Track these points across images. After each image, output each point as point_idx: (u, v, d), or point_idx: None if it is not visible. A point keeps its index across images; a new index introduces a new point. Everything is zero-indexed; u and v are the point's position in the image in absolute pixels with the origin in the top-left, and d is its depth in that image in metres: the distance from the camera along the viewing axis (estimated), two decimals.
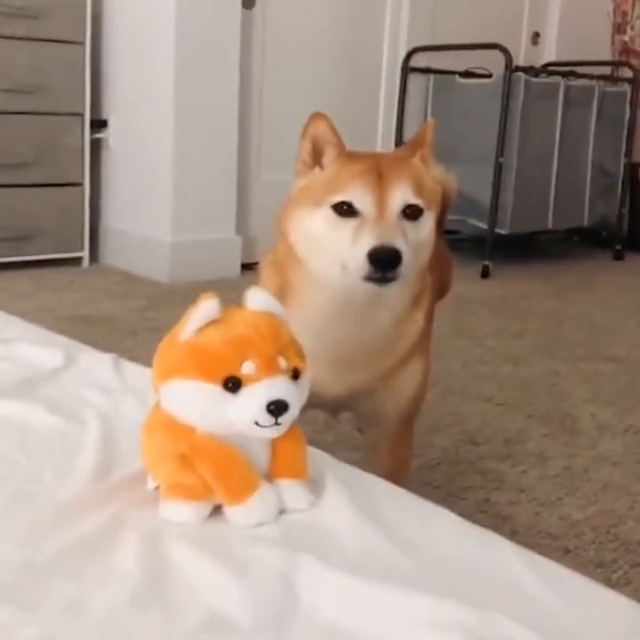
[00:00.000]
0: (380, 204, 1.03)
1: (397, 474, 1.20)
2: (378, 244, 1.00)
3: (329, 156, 1.09)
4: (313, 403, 1.27)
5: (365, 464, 1.18)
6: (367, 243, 1.01)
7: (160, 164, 3.38)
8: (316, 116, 1.09)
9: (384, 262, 0.99)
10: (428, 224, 1.06)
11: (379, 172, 1.04)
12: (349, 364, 1.13)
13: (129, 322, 2.73)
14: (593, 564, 1.39)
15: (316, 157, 1.10)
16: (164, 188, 3.38)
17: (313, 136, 1.09)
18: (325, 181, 1.07)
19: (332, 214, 1.05)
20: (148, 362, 0.87)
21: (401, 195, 1.03)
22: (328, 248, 1.06)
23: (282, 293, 1.11)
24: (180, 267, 3.34)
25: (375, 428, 1.24)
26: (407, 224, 1.04)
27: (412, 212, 1.04)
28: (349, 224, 1.03)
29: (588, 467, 1.79)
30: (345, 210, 1.04)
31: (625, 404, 2.20)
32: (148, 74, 3.38)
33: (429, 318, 1.19)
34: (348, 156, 1.09)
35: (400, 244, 1.00)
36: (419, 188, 1.05)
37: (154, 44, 3.33)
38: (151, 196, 3.45)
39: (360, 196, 1.03)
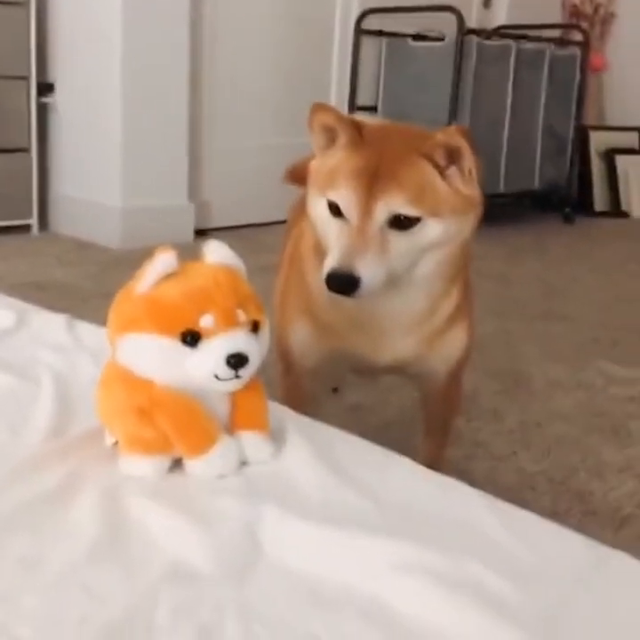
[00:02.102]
0: (365, 211, 0.99)
1: (448, 417, 1.37)
2: (335, 268, 0.98)
3: (339, 142, 1.05)
4: (363, 370, 1.29)
5: (419, 409, 1.37)
6: (329, 262, 0.99)
7: (109, 128, 3.31)
8: (317, 106, 1.05)
9: (337, 289, 0.99)
10: (429, 230, 1.01)
11: (375, 172, 0.99)
12: (388, 335, 1.14)
13: (81, 288, 2.69)
14: (548, 513, 1.41)
15: (330, 145, 1.07)
16: (113, 154, 3.31)
17: (321, 126, 1.06)
18: (329, 171, 1.04)
19: (326, 208, 1.04)
20: (101, 326, 0.85)
21: (388, 205, 0.99)
22: (325, 238, 1.06)
23: (317, 251, 1.10)
24: (131, 233, 3.29)
25: (425, 383, 1.28)
26: (395, 234, 1.00)
27: (403, 222, 0.99)
28: (336, 225, 1.03)
29: (542, 422, 1.82)
30: (336, 208, 1.02)
31: (576, 361, 2.24)
32: (95, 36, 3.30)
33: (467, 287, 1.19)
34: (354, 144, 1.03)
35: (362, 268, 0.97)
36: (417, 195, 0.99)
37: (101, 5, 3.24)
38: (101, 161, 3.38)
39: (346, 201, 1.01)
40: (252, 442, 0.84)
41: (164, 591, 0.67)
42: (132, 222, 3.33)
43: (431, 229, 1.01)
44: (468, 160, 1.03)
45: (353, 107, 3.97)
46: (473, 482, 1.50)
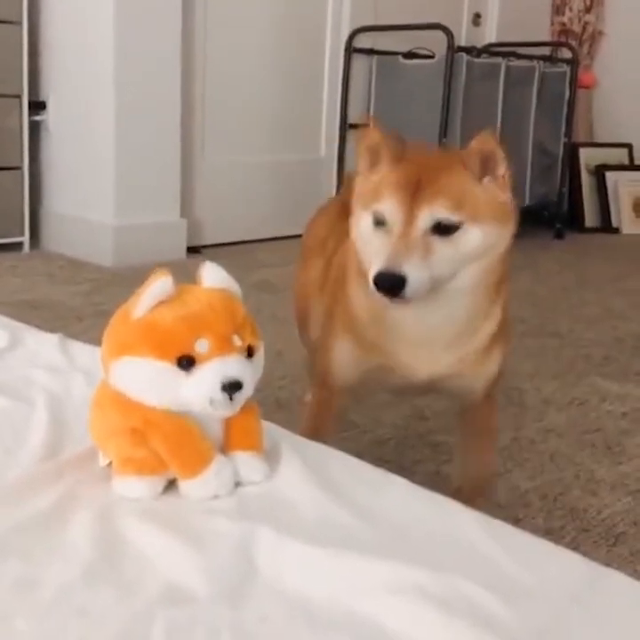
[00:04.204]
0: (408, 219, 1.04)
1: (486, 433, 1.36)
2: (383, 269, 1.01)
3: (383, 158, 1.10)
4: (398, 388, 1.29)
5: (457, 428, 1.38)
6: (376, 265, 1.03)
7: (102, 146, 3.31)
8: (369, 128, 1.11)
9: (385, 289, 1.02)
10: (470, 237, 1.05)
11: (417, 183, 1.05)
12: (428, 349, 1.16)
13: (74, 307, 2.69)
14: (542, 531, 1.42)
15: (375, 164, 1.12)
16: (106, 171, 3.32)
17: (368, 147, 1.11)
18: (373, 187, 1.09)
19: (371, 222, 1.08)
20: (95, 345, 0.85)
21: (430, 212, 1.03)
22: (368, 253, 1.09)
23: (359, 271, 1.14)
24: (124, 250, 3.29)
25: (461, 400, 1.30)
26: (438, 240, 1.04)
27: (445, 228, 1.04)
28: (380, 235, 1.06)
29: (535, 438, 1.83)
30: (380, 220, 1.07)
31: (568, 377, 2.24)
32: (87, 54, 3.31)
33: (507, 306, 1.22)
34: (396, 160, 1.09)
35: (408, 269, 1.01)
36: (458, 202, 1.04)
37: (93, 24, 3.26)
38: (93, 178, 3.39)
39: (390, 210, 1.05)
40: (246, 462, 0.84)
41: (159, 613, 0.66)
42: (124, 239, 3.33)
43: (472, 235, 1.05)
44: (502, 166, 1.08)
45: (344, 124, 4.00)
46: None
